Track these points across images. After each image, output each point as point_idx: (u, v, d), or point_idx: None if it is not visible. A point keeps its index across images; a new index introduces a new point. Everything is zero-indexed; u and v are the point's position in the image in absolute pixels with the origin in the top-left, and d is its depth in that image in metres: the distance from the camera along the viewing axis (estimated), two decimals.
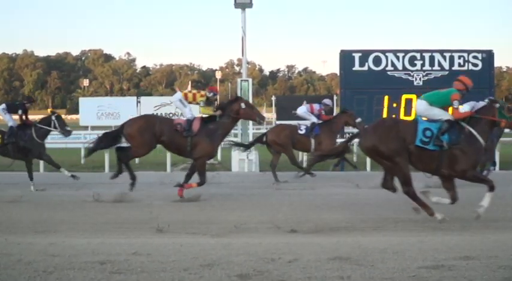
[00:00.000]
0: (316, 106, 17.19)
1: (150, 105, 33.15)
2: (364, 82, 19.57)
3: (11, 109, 15.96)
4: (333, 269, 6.69)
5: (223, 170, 20.25)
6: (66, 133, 16.25)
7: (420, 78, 19.63)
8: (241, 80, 21.28)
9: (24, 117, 15.68)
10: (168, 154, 19.60)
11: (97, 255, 7.38)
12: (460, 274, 6.49)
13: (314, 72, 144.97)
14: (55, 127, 15.75)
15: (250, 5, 20.77)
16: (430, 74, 19.67)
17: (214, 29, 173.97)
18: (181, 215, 10.86)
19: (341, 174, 17.95)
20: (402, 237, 8.63)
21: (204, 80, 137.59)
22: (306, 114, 17.10)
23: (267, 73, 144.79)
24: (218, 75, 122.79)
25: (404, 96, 19.44)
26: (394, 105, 19.43)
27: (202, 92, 14.30)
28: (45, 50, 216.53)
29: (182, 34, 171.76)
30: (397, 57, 19.69)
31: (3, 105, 16.14)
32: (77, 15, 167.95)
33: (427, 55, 19.73)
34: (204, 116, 14.00)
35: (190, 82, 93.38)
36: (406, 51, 19.91)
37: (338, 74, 21.11)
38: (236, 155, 19.97)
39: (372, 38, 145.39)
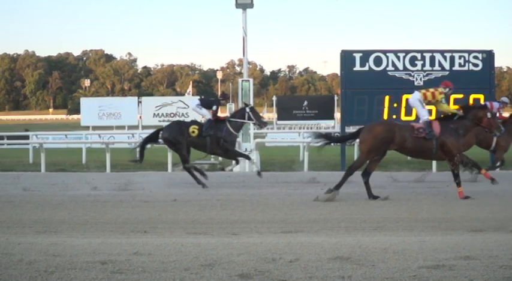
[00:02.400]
0: (495, 104, 16.81)
1: (151, 105, 33.17)
2: (365, 82, 19.54)
3: (204, 104, 16.11)
4: (334, 269, 6.70)
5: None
6: (262, 124, 16.40)
7: (421, 79, 19.60)
8: (242, 80, 21.29)
9: (217, 113, 15.93)
10: (169, 154, 19.60)
11: (98, 255, 7.39)
12: (461, 273, 6.50)
13: (315, 72, 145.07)
14: (250, 119, 15.88)
15: (251, 5, 20.77)
16: (431, 74, 19.65)
17: (215, 29, 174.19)
18: (182, 215, 10.87)
19: (342, 174, 17.89)
20: (403, 237, 8.64)
21: (205, 80, 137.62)
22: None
23: (268, 73, 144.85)
24: (219, 75, 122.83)
25: (405, 97, 19.36)
26: (395, 105, 19.41)
27: (440, 89, 13.74)
28: (46, 50, 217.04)
29: (183, 34, 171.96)
30: (398, 58, 19.66)
31: (197, 101, 16.36)
32: (78, 16, 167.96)
33: (427, 55, 19.71)
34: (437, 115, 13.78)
35: (191, 82, 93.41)
36: (406, 52, 19.88)
37: (339, 74, 21.08)
38: None
39: (373, 39, 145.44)
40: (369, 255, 7.30)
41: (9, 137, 31.87)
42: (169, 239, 8.52)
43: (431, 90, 13.69)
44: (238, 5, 20.74)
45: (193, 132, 15.44)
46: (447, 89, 13.79)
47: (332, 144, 14.34)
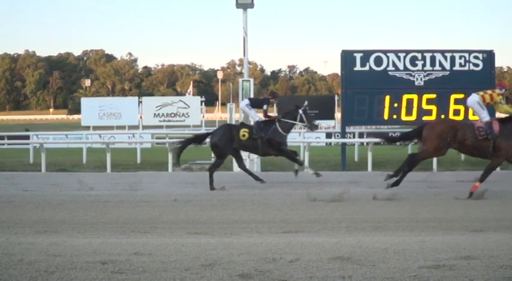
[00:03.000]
0: None
1: (151, 105, 33.17)
2: (366, 82, 19.54)
3: (254, 104, 15.99)
4: (334, 269, 6.69)
5: (225, 170, 20.24)
6: (313, 128, 16.12)
7: (421, 79, 19.60)
8: (243, 80, 21.28)
9: (267, 112, 15.75)
10: (170, 154, 19.61)
11: (98, 255, 7.39)
12: (461, 273, 6.50)
13: (315, 72, 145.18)
14: (301, 121, 15.63)
15: (251, 5, 20.76)
16: (431, 74, 19.64)
17: (216, 29, 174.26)
18: (182, 215, 10.87)
19: (343, 173, 17.93)
20: (403, 237, 8.64)
21: (205, 80, 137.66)
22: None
23: (269, 73, 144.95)
24: (219, 75, 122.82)
25: (405, 96, 19.42)
26: (395, 105, 19.41)
27: (497, 91, 13.70)
28: (47, 50, 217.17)
29: (184, 34, 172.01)
30: (398, 58, 19.66)
31: (246, 101, 16.17)
32: (79, 16, 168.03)
33: (428, 55, 19.70)
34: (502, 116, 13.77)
35: (191, 82, 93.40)
36: (407, 52, 19.88)
37: (339, 74, 21.06)
38: None
39: (373, 39, 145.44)
40: (370, 255, 7.29)
41: (9, 137, 31.87)
42: (169, 239, 8.51)
43: (489, 92, 13.77)
44: (238, 5, 20.73)
45: (243, 136, 15.19)
46: (503, 90, 13.85)
47: (398, 144, 14.40)
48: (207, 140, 16.10)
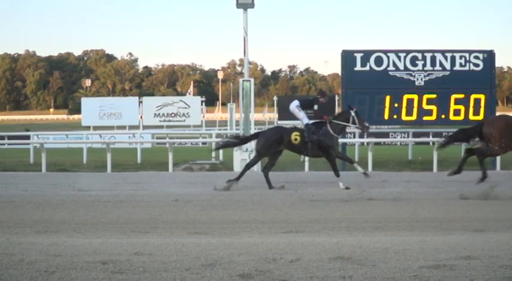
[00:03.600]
0: None
1: (151, 105, 33.18)
2: (366, 82, 19.55)
3: (304, 105, 15.69)
4: (335, 269, 6.69)
5: (225, 170, 20.26)
6: (365, 129, 15.91)
7: (422, 79, 19.61)
8: (243, 80, 21.28)
9: (318, 112, 15.58)
10: (170, 154, 19.62)
11: (99, 255, 7.38)
12: (462, 273, 6.49)
13: (316, 72, 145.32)
14: (353, 123, 15.38)
15: (252, 5, 20.77)
16: (432, 74, 19.65)
17: (216, 29, 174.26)
18: (183, 215, 10.87)
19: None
20: (403, 237, 8.64)
21: (205, 80, 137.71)
22: None
23: (269, 73, 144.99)
24: (220, 75, 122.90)
25: (405, 96, 19.43)
26: (396, 105, 19.42)
27: None
28: (47, 50, 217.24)
29: (184, 34, 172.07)
30: (399, 58, 19.67)
31: (297, 102, 15.71)
32: (79, 16, 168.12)
33: (428, 55, 19.71)
34: None
35: (192, 82, 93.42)
36: (407, 52, 19.89)
37: (340, 74, 21.06)
38: (238, 155, 19.97)
39: (374, 38, 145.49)
40: (370, 255, 7.29)
41: (10, 137, 31.89)
42: (170, 239, 8.51)
43: None
44: (239, 5, 20.74)
45: (295, 139, 14.99)
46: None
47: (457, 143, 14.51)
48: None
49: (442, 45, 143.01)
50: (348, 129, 16.67)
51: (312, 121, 15.39)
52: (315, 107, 15.50)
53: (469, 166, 15.68)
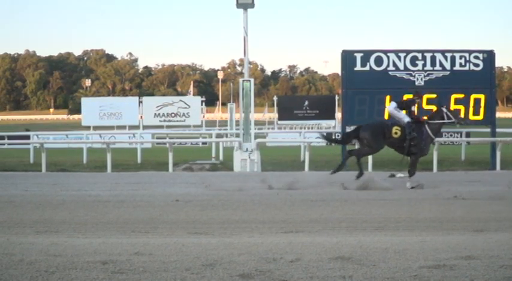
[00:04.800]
0: None
1: (151, 105, 33.20)
2: (366, 82, 19.53)
3: (401, 106, 15.75)
4: (335, 269, 6.69)
5: (225, 170, 20.27)
6: (461, 120, 16.05)
7: (421, 79, 19.60)
8: (243, 80, 21.27)
9: (415, 113, 15.64)
10: (170, 154, 19.62)
11: (99, 255, 7.38)
12: (462, 273, 6.49)
13: (316, 72, 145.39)
14: (449, 118, 15.45)
15: (252, 5, 20.76)
16: (432, 74, 19.64)
17: (216, 29, 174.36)
18: (183, 215, 10.87)
19: (343, 173, 17.91)
20: (404, 236, 8.64)
21: (206, 80, 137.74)
22: None
23: (269, 73, 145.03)
24: (220, 75, 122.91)
25: (405, 96, 19.41)
26: None
27: None
28: (47, 50, 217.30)
29: (184, 34, 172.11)
30: (399, 58, 19.65)
31: (394, 104, 15.83)
32: (79, 16, 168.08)
33: (428, 55, 19.69)
34: None
35: (192, 82, 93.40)
36: (407, 52, 19.87)
37: (340, 74, 21.05)
38: (238, 155, 19.98)
39: (374, 38, 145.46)
40: (370, 255, 7.29)
41: (10, 137, 31.86)
42: (170, 239, 8.51)
43: None
44: (239, 5, 20.73)
45: (395, 133, 15.10)
46: None
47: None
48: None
49: (442, 45, 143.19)
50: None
51: (412, 120, 15.45)
52: (412, 107, 15.64)
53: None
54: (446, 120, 15.45)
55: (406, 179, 14.84)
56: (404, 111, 15.47)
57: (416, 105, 15.83)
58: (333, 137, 16.07)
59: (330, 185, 14.59)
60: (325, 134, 16.70)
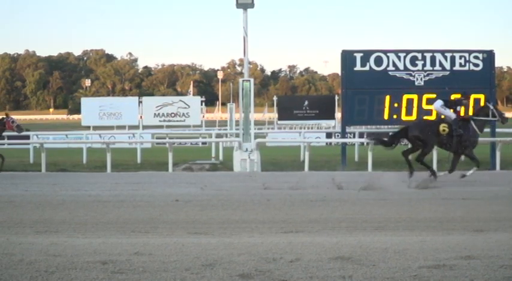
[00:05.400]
0: None
1: (151, 105, 33.16)
2: (366, 82, 19.52)
3: (448, 105, 15.82)
4: (335, 269, 6.69)
5: (225, 170, 20.26)
6: (504, 120, 16.11)
7: (421, 78, 19.60)
8: (243, 80, 21.26)
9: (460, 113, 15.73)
10: (170, 154, 19.61)
11: (99, 255, 7.39)
12: (461, 273, 6.50)
13: (315, 72, 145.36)
14: (493, 116, 15.66)
15: (251, 5, 20.75)
16: (431, 74, 19.64)
17: (216, 29, 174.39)
18: (183, 215, 10.87)
19: (343, 173, 17.92)
20: (404, 237, 8.64)
21: (205, 80, 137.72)
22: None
23: (269, 73, 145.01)
24: (220, 75, 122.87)
25: (405, 96, 19.41)
26: (396, 105, 19.41)
27: None
28: (47, 50, 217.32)
29: (184, 34, 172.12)
30: (399, 58, 19.65)
31: (441, 102, 15.94)
32: (79, 16, 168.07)
33: (428, 55, 19.69)
34: None
35: (192, 82, 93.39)
36: (407, 52, 19.87)
37: (339, 74, 21.05)
38: (238, 155, 19.97)
39: (373, 39, 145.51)
40: (370, 255, 7.30)
41: (9, 137, 31.81)
42: (170, 239, 8.51)
43: None
44: (238, 5, 20.73)
45: (443, 130, 15.24)
46: None
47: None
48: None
49: (442, 45, 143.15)
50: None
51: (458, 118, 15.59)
52: (458, 108, 15.74)
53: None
54: (491, 118, 15.66)
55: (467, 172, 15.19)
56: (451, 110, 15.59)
57: (462, 106, 15.99)
58: (384, 139, 16.00)
59: (330, 185, 14.57)
60: (376, 138, 16.59)
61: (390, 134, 16.49)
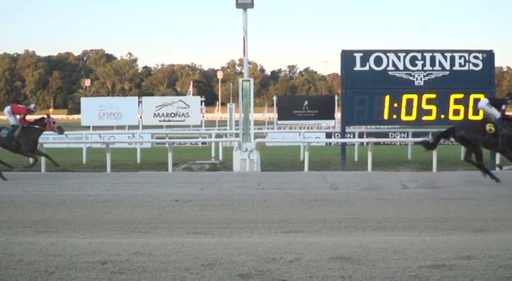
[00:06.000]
0: None
1: (151, 105, 33.15)
2: (366, 82, 19.53)
3: (493, 103, 15.75)
4: (334, 269, 6.69)
5: (225, 170, 20.26)
6: None
7: (421, 78, 19.60)
8: (243, 80, 21.26)
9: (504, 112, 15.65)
10: (170, 154, 19.61)
11: (98, 255, 7.39)
12: (461, 273, 6.50)
13: (315, 72, 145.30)
14: None
15: (251, 5, 20.75)
16: (431, 74, 19.64)
17: (216, 29, 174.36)
18: (182, 215, 10.87)
19: (343, 173, 17.93)
20: (403, 236, 8.64)
21: (205, 80, 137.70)
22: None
23: (269, 73, 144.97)
24: (220, 75, 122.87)
25: (405, 96, 19.42)
26: (395, 105, 19.41)
27: None
28: (46, 50, 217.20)
29: (184, 34, 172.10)
30: (398, 58, 19.65)
31: (486, 100, 15.97)
32: (79, 16, 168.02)
33: (428, 55, 19.70)
34: None
35: (191, 82, 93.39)
36: (407, 52, 19.87)
37: (339, 74, 21.05)
38: (238, 155, 19.97)
39: (373, 38, 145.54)
40: (370, 255, 7.30)
41: None
42: (169, 239, 8.51)
43: None
44: (238, 5, 20.72)
45: (490, 130, 15.20)
46: None
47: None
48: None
49: (442, 45, 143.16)
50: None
51: (503, 117, 15.51)
52: (503, 107, 15.67)
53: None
54: None
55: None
56: None
57: (506, 105, 15.89)
58: (429, 141, 16.02)
59: (330, 185, 14.58)
60: (423, 142, 16.57)
61: (435, 134, 16.37)
